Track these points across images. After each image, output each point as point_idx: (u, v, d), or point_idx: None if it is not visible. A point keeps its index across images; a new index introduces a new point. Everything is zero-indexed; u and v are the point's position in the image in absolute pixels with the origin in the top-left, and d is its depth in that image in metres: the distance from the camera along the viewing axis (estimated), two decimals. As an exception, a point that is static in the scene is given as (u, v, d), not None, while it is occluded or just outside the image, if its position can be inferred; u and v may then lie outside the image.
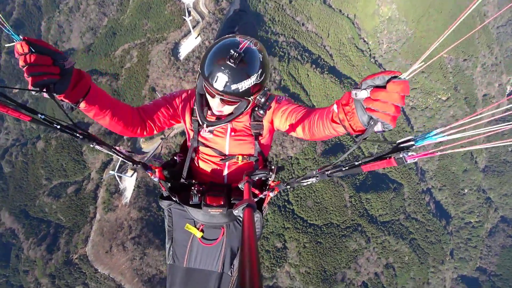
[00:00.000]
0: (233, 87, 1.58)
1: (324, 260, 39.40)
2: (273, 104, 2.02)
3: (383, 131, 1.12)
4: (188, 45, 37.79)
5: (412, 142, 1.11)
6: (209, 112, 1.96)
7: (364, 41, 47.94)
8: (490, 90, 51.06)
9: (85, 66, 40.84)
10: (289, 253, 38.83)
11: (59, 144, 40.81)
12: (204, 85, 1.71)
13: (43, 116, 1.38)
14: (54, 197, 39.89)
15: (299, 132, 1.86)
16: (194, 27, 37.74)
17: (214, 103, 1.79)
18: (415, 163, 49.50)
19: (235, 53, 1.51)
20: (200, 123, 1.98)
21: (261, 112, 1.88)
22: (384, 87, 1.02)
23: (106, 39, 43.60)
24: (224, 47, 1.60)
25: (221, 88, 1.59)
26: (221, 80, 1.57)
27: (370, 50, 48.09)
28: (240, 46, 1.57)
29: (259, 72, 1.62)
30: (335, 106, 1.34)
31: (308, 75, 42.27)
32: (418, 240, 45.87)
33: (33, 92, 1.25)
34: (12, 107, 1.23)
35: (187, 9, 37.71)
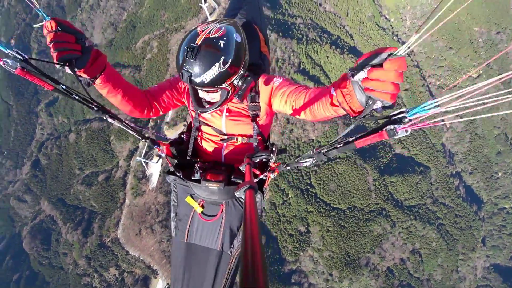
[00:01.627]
0: (198, 80, 1.61)
1: (348, 244, 39.03)
2: (275, 80, 2.02)
3: (383, 109, 1.11)
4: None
5: (404, 114, 1.09)
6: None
7: (386, 18, 45.68)
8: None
9: (109, 60, 42.32)
10: (312, 237, 38.84)
11: (89, 135, 43.09)
12: None
13: (64, 87, 1.52)
14: (86, 185, 42.43)
15: (301, 114, 1.86)
16: (211, 13, 37.80)
17: (200, 93, 1.89)
18: (443, 145, 47.19)
19: (189, 49, 1.55)
20: (193, 110, 2.07)
21: (237, 97, 1.87)
22: (380, 65, 1.01)
23: (127, 33, 44.93)
24: (184, 44, 1.64)
25: (188, 83, 1.66)
26: (185, 75, 1.62)
27: (392, 28, 45.82)
28: (198, 39, 1.59)
29: (222, 60, 1.60)
30: (333, 89, 1.34)
31: (327, 56, 41.21)
32: (446, 226, 44.05)
33: (57, 66, 1.40)
34: (38, 76, 1.37)
35: (203, -4, 37.73)
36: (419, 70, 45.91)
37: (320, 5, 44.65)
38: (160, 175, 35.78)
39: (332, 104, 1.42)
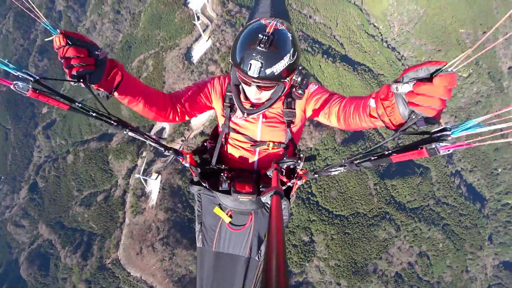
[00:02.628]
0: (268, 71, 1.55)
1: (354, 251, 38.37)
2: (310, 89, 1.99)
3: (426, 126, 1.05)
4: (200, 49, 38.91)
5: (447, 132, 1.02)
6: (246, 101, 1.96)
7: (374, 26, 47.05)
8: (515, 62, 48.13)
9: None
10: (317, 247, 38.18)
11: (87, 156, 42.96)
12: (239, 75, 1.69)
13: (80, 105, 1.45)
14: (85, 206, 41.88)
15: (333, 122, 1.83)
16: (204, 30, 38.85)
17: (251, 91, 1.77)
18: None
19: (264, 37, 1.48)
20: (241, 113, 1.98)
21: (300, 91, 1.82)
22: (427, 79, 0.96)
23: (123, 53, 45.80)
24: (252, 32, 1.57)
25: (256, 75, 1.57)
26: (254, 66, 1.54)
27: (381, 35, 47.10)
28: (268, 29, 1.54)
29: (291, 52, 1.58)
30: (372, 101, 1.29)
31: (320, 66, 42.03)
32: (451, 226, 43.61)
33: (71, 83, 1.33)
34: (51, 97, 1.33)
35: (196, 14, 38.90)
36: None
37: (310, 17, 46.02)
38: (159, 191, 35.46)
39: (370, 116, 1.38)
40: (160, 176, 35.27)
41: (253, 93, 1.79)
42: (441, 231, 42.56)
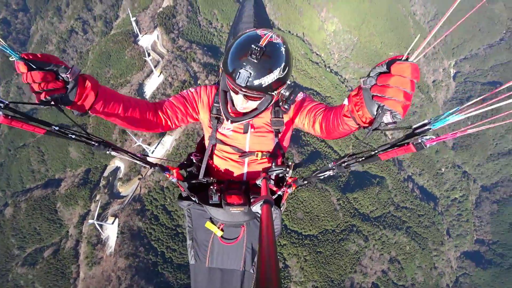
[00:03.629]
0: (256, 82, 1.54)
1: (328, 269, 38.30)
2: (298, 98, 2.00)
3: (393, 122, 1.06)
4: (152, 84, 38.82)
5: (428, 126, 1.06)
6: (232, 109, 1.93)
7: (317, 54, 52.00)
8: (437, 76, 56.32)
9: (52, 120, 40.15)
10: (291, 271, 37.40)
11: (30, 206, 38.31)
12: (228, 82, 1.68)
13: (57, 128, 1.39)
14: (29, 265, 36.40)
15: (317, 130, 1.83)
16: (155, 66, 39.15)
17: (238, 99, 1.75)
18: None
19: (256, 48, 1.47)
20: (225, 119, 1.96)
21: (286, 106, 1.83)
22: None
23: (95, 78, 43.76)
24: (246, 42, 1.56)
25: (243, 84, 1.55)
26: (243, 75, 1.53)
27: (324, 61, 52.04)
28: (262, 40, 1.53)
29: (282, 66, 1.56)
30: (346, 100, 1.31)
31: (272, 92, 44.39)
32: (413, 227, 46.43)
33: (41, 106, 1.27)
34: (25, 122, 1.26)
35: (146, 51, 39.31)
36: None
37: (259, 47, 49.38)
38: (117, 236, 32.43)
39: (344, 115, 1.37)
40: (117, 219, 32.52)
41: (239, 102, 1.76)
42: (405, 234, 44.94)
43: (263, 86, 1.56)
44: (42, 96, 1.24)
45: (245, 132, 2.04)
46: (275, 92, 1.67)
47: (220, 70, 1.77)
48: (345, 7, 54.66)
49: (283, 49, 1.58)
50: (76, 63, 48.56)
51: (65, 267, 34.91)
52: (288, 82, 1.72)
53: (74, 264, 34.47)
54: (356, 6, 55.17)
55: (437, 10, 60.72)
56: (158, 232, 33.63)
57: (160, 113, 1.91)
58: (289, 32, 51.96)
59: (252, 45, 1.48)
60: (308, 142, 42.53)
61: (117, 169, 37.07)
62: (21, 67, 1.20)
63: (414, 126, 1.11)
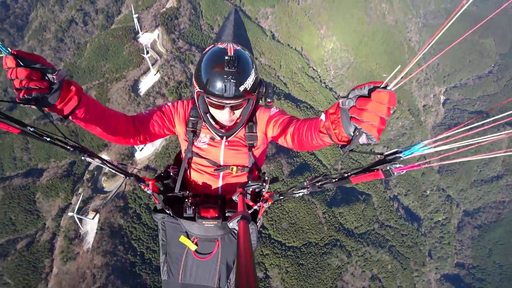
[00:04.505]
0: (242, 88, 1.61)
1: (310, 282, 37.94)
2: (272, 110, 2.05)
3: (368, 143, 1.10)
4: (148, 82, 38.70)
5: (399, 155, 1.10)
6: (217, 126, 1.99)
7: (313, 69, 53.22)
8: (427, 101, 58.29)
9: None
10: (272, 282, 36.87)
11: (7, 195, 36.87)
12: (210, 102, 1.71)
13: (32, 129, 1.39)
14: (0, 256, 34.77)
15: (288, 142, 1.86)
16: (153, 64, 39.15)
17: (224, 114, 1.79)
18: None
19: (230, 58, 1.55)
20: (219, 138, 2.02)
21: (269, 100, 1.84)
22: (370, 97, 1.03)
23: (79, 85, 43.13)
24: (216, 57, 1.64)
25: (232, 94, 1.61)
26: (229, 87, 1.59)
27: (320, 77, 53.24)
28: (229, 51, 1.63)
29: (254, 67, 1.70)
30: (323, 115, 1.34)
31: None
32: (396, 246, 46.76)
33: (21, 105, 1.27)
34: (1, 120, 1.26)
35: (145, 48, 39.37)
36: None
37: (256, 59, 50.19)
38: (97, 232, 31.43)
39: (320, 131, 1.39)
40: (98, 214, 31.62)
41: (226, 115, 1.79)
42: (388, 252, 45.19)
43: (249, 89, 1.65)
44: (23, 94, 1.24)
45: (224, 140, 2.09)
46: (256, 92, 1.77)
47: (196, 95, 1.79)
48: (344, 26, 56.50)
49: (246, 52, 1.72)
50: (72, 53, 48.07)
51: (38, 260, 33.44)
52: (260, 79, 1.84)
53: (48, 258, 33.07)
54: (355, 27, 57.12)
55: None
56: (139, 232, 32.79)
57: (138, 126, 1.93)
58: (288, 45, 53.13)
59: (226, 57, 1.56)
60: (298, 154, 42.84)
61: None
62: (9, 62, 1.21)
63: (386, 153, 1.16)
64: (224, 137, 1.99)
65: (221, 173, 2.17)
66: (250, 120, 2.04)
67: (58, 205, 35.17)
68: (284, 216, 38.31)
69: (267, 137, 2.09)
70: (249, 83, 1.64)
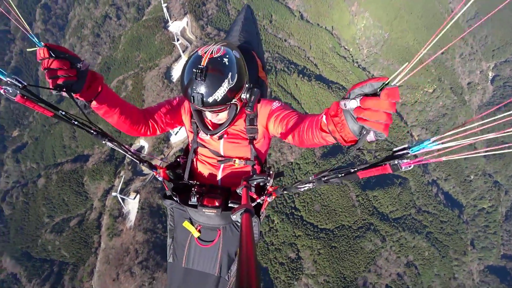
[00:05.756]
0: (210, 99, 1.63)
1: (342, 265, 37.61)
2: (273, 104, 2.06)
3: (376, 140, 1.09)
4: (180, 68, 39.85)
5: (407, 151, 1.11)
6: (209, 122, 2.06)
7: (345, 48, 50.80)
8: (473, 78, 53.09)
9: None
10: (304, 263, 37.12)
11: (60, 178, 40.77)
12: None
13: (63, 113, 1.54)
14: (56, 233, 38.88)
15: (289, 138, 1.87)
16: (183, 51, 40.06)
17: (208, 115, 1.90)
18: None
19: (197, 71, 1.58)
20: (205, 135, 2.07)
21: (248, 109, 1.85)
22: (373, 95, 1.01)
23: (101, 74, 45.76)
24: (189, 67, 1.68)
25: (200, 105, 1.66)
26: (196, 98, 1.63)
27: (352, 56, 50.75)
28: (202, 61, 1.63)
29: (229, 76, 1.65)
30: (324, 117, 1.32)
31: (296, 84, 44.04)
32: (434, 233, 44.32)
33: (53, 92, 1.43)
34: (37, 103, 1.41)
35: (176, 36, 40.32)
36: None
37: (285, 40, 49.04)
38: (138, 211, 33.81)
39: (322, 130, 1.39)
40: (138, 195, 33.89)
41: (209, 116, 1.91)
42: (425, 239, 43.05)
43: (218, 100, 1.65)
44: (56, 81, 1.40)
45: (220, 138, 2.14)
46: (235, 100, 1.76)
47: None
48: (377, 1, 52.83)
49: (225, 60, 1.67)
50: (108, 47, 50.71)
51: (88, 236, 36.95)
52: (246, 85, 1.80)
53: (96, 234, 36.40)
54: (389, 1, 53.12)
55: (477, 8, 57.09)
56: (176, 211, 34.60)
57: (148, 117, 2.04)
58: (318, 25, 51.10)
59: (194, 69, 1.60)
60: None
61: (141, 148, 38.50)
62: (43, 54, 1.38)
63: (394, 149, 1.16)
64: (208, 134, 2.01)
65: (222, 165, 2.25)
66: (250, 114, 2.04)
67: (103, 187, 38.21)
68: (317, 198, 37.99)
69: (268, 131, 2.10)
70: (219, 93, 1.64)
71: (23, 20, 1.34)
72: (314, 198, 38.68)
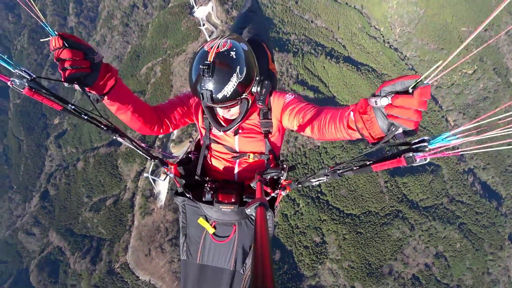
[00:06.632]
0: (220, 95, 1.59)
1: (367, 251, 37.10)
2: (287, 97, 2.02)
3: (404, 135, 1.08)
4: (206, 53, 40.23)
5: (425, 144, 1.08)
6: (221, 117, 2.00)
7: (376, 28, 48.02)
8: (520, 58, 48.02)
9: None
10: (329, 248, 37.09)
11: (97, 161, 43.67)
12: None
13: (73, 107, 1.46)
14: (95, 212, 42.11)
15: (307, 132, 1.82)
16: (209, 36, 40.22)
17: (219, 111, 1.86)
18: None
19: (205, 67, 1.52)
20: (218, 131, 2.02)
21: (260, 103, 1.80)
22: (404, 93, 1.00)
23: (131, 62, 47.57)
24: (196, 64, 1.63)
25: (209, 103, 1.62)
26: (205, 95, 1.59)
27: (383, 36, 47.93)
28: (209, 56, 1.58)
29: (238, 70, 1.60)
30: (351, 114, 1.30)
31: (324, 66, 42.71)
32: (468, 225, 41.98)
33: (66, 84, 1.35)
34: (46, 96, 1.34)
35: (201, 21, 40.53)
36: (414, 73, 47.15)
37: (312, 21, 47.33)
38: (168, 192, 35.53)
39: (349, 127, 1.38)
40: (168, 176, 35.43)
41: (221, 113, 1.87)
42: (457, 230, 40.97)
43: (228, 95, 1.60)
44: (68, 73, 1.33)
45: (235, 134, 2.08)
46: (245, 94, 1.70)
47: None
48: (412, -24, 48.88)
49: (233, 53, 1.60)
50: (137, 35, 52.25)
51: (122, 215, 39.62)
52: (256, 78, 1.73)
53: (129, 213, 38.91)
54: (426, -26, 48.93)
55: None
56: (203, 193, 35.97)
57: (160, 114, 1.99)
58: (346, 4, 48.62)
59: (200, 65, 1.52)
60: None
61: (170, 132, 40.02)
62: (56, 43, 1.29)
63: (412, 142, 1.13)
64: (221, 131, 1.96)
65: (238, 160, 2.19)
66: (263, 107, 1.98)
67: (136, 169, 40.44)
68: (343, 183, 37.39)
69: (282, 124, 2.06)
70: (228, 89, 1.58)
71: (37, 9, 1.26)
72: (341, 183, 38.08)
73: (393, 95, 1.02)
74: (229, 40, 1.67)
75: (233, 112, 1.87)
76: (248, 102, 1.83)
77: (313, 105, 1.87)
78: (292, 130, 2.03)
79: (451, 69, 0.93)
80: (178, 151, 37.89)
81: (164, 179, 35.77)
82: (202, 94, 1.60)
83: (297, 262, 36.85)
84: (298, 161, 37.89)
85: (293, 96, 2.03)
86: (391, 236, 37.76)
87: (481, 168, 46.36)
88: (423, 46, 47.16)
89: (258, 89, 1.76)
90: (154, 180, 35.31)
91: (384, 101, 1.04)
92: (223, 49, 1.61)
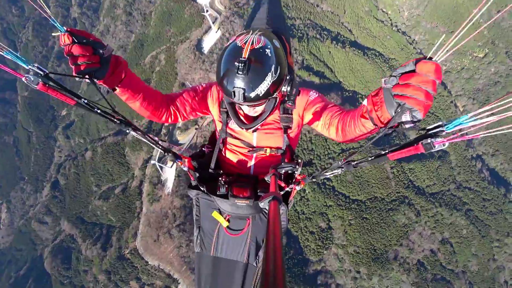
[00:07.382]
0: (252, 94, 1.54)
1: (373, 237, 37.34)
2: (311, 94, 1.98)
3: (412, 121, 1.04)
4: (210, 39, 39.92)
5: (441, 128, 1.05)
6: (243, 114, 1.97)
7: (383, 11, 46.70)
8: (534, 40, 46.29)
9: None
10: (334, 233, 37.44)
11: (104, 151, 44.28)
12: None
13: (85, 101, 1.49)
14: (104, 200, 42.99)
15: (331, 133, 1.80)
16: (213, 22, 39.81)
17: (245, 109, 1.83)
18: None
19: (240, 64, 1.46)
20: (240, 128, 2.00)
21: (290, 103, 1.80)
22: (414, 71, 0.99)
23: (136, 51, 47.44)
24: (229, 59, 1.56)
25: (241, 101, 1.57)
26: (238, 93, 1.54)
27: (390, 20, 46.64)
28: (244, 53, 1.52)
29: (273, 68, 1.55)
30: (365, 100, 1.29)
31: (330, 52, 42.01)
32: (475, 211, 41.76)
33: (77, 78, 1.40)
34: (59, 91, 1.36)
35: (205, 8, 40.03)
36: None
37: (317, 5, 46.24)
38: (175, 179, 35.99)
39: (362, 116, 1.36)
40: (174, 163, 35.87)
41: (247, 111, 1.85)
42: (464, 216, 40.81)
43: (261, 95, 1.55)
44: (79, 68, 1.36)
45: (254, 131, 2.04)
46: (276, 93, 1.65)
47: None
48: (421, -45, 47.04)
49: (267, 50, 1.54)
50: (140, 24, 51.86)
51: (131, 202, 40.39)
52: (287, 77, 1.69)
53: (138, 200, 39.63)
54: (436, -46, 47.03)
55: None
56: (209, 180, 36.38)
57: (170, 103, 2.00)
58: (353, -13, 47.24)
59: (236, 62, 1.47)
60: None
61: (180, 122, 40.23)
62: (66, 40, 1.32)
63: (428, 128, 1.10)
64: (244, 128, 1.93)
65: (254, 154, 2.18)
66: (284, 102, 1.93)
67: (143, 157, 40.92)
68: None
69: (303, 121, 2.05)
70: (262, 88, 1.53)
71: (45, 5, 1.28)
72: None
73: (401, 75, 1.03)
74: (262, 37, 1.61)
75: (258, 109, 1.85)
76: (276, 100, 1.81)
77: (338, 106, 1.87)
78: (314, 129, 2.01)
79: (459, 47, 0.90)
80: (184, 138, 38.18)
81: (171, 166, 36.24)
82: (233, 92, 1.55)
83: (303, 247, 37.35)
84: (304, 147, 37.83)
85: (317, 94, 2.02)
86: (397, 222, 37.86)
87: (490, 155, 45.65)
88: (433, 30, 45.80)
89: (288, 88, 1.72)
90: (161, 167, 35.78)
91: (392, 80, 1.06)
92: (258, 46, 1.55)
